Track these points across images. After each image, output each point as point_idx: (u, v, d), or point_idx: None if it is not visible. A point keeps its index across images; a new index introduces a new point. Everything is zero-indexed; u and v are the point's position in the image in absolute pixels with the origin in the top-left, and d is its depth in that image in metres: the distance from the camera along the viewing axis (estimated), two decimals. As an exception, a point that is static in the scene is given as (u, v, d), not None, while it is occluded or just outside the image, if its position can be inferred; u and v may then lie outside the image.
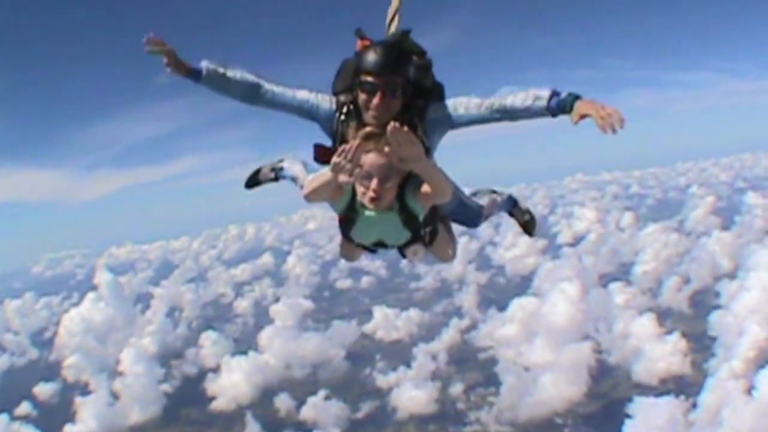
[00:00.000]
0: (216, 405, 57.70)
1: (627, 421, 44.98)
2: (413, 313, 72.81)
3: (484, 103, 4.05)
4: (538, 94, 3.87)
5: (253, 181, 5.44)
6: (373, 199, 3.94)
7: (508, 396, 53.00)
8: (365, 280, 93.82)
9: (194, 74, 4.10)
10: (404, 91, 4.00)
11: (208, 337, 68.58)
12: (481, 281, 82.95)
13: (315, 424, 53.26)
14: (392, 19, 4.56)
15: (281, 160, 5.46)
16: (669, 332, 55.68)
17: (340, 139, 4.21)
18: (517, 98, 3.95)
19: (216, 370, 61.49)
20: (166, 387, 60.55)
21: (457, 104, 4.14)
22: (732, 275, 62.59)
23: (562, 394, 52.03)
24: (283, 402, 56.73)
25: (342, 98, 4.22)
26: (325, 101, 4.27)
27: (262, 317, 75.99)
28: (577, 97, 3.75)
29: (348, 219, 4.25)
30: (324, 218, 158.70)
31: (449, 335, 66.75)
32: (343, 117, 4.21)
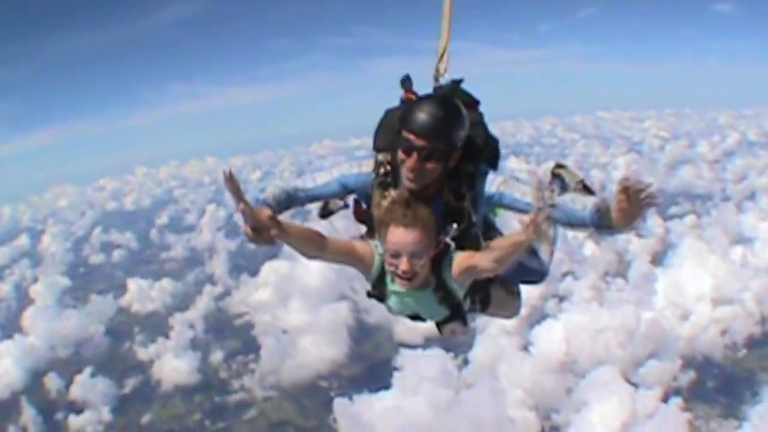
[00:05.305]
0: (-8, 394, 56.71)
1: (395, 374, 46.06)
2: (166, 283, 74.62)
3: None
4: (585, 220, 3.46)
5: (326, 211, 4.64)
6: (402, 278, 3.57)
7: (269, 360, 54.54)
8: (117, 254, 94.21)
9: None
10: (447, 156, 3.59)
11: (-25, 325, 65.69)
12: (231, 248, 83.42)
13: (85, 403, 53.80)
14: (441, 57, 4.30)
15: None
16: (429, 291, 59.70)
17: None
18: (576, 204, 3.52)
19: (-13, 358, 59.87)
20: (-57, 381, 58.06)
21: (513, 184, 3.70)
22: (495, 236, 69.67)
23: (324, 356, 53.64)
24: (52, 382, 57.11)
25: (380, 157, 3.87)
26: (367, 167, 3.93)
27: (23, 299, 74.96)
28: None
29: (379, 289, 3.85)
30: (74, 194, 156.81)
31: (204, 303, 68.61)
32: (379, 178, 3.84)
